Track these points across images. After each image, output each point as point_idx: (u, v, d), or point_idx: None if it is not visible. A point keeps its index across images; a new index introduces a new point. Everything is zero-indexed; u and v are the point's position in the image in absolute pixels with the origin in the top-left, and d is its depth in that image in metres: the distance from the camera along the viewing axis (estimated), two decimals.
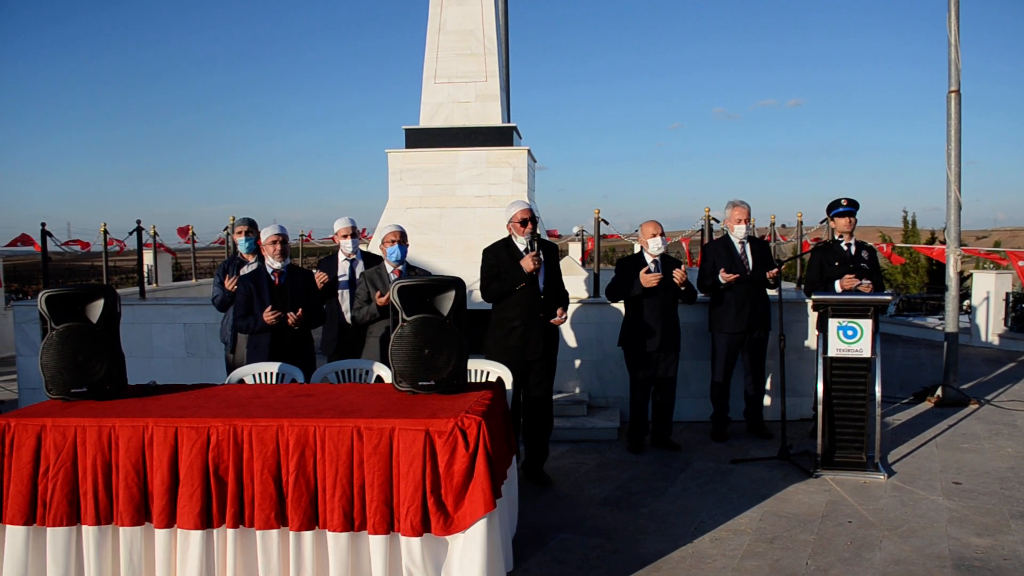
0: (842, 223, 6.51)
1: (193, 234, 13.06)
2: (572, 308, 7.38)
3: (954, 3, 7.97)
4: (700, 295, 6.76)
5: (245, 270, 5.98)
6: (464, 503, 3.42)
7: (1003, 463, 5.98)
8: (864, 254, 6.51)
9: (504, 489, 3.94)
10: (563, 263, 7.92)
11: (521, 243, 5.45)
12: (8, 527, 3.56)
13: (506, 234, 5.61)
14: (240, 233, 6.28)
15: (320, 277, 5.94)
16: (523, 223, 5.43)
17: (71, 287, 4.18)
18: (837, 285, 6.32)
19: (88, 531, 3.59)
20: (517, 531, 4.51)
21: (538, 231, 5.55)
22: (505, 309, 5.47)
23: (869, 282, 6.28)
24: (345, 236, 6.06)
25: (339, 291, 6.04)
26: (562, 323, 5.57)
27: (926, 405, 7.99)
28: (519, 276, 5.36)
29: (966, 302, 13.11)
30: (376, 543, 3.45)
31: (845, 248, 6.50)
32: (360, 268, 6.00)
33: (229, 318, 6.12)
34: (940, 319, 11.77)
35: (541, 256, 5.42)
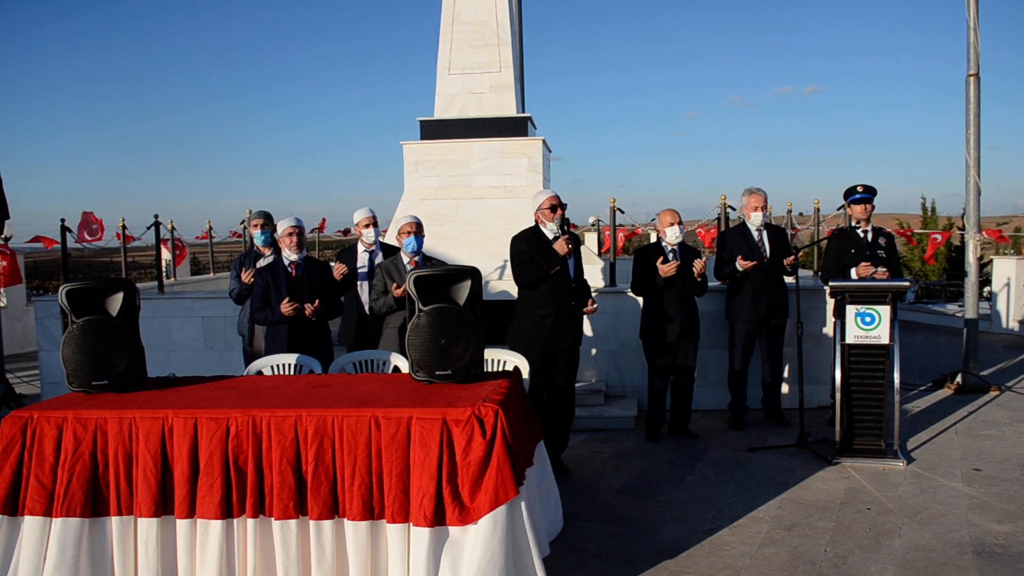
0: (858, 210, 6.47)
1: (210, 228, 13.14)
2: None
3: None
4: (712, 283, 6.75)
5: (262, 263, 6.01)
6: (480, 492, 3.42)
7: None
8: (881, 240, 6.47)
9: (534, 479, 3.96)
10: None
11: (550, 230, 5.44)
12: (26, 518, 3.60)
13: (529, 225, 5.59)
14: (256, 226, 6.31)
15: (339, 269, 5.97)
16: (552, 208, 5.43)
17: (91, 281, 4.22)
18: (853, 272, 6.28)
19: (112, 522, 3.63)
20: None
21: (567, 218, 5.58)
22: (536, 298, 5.43)
23: (885, 269, 6.24)
24: (367, 226, 6.09)
25: (359, 282, 6.06)
26: (594, 312, 5.60)
27: (945, 392, 7.93)
28: (554, 260, 5.35)
29: (986, 288, 13.00)
30: (395, 532, 3.46)
31: (862, 235, 6.46)
32: (380, 259, 6.02)
33: (246, 311, 6.17)
34: (960, 306, 11.67)
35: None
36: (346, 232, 16.25)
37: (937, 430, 6.52)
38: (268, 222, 6.29)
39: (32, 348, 11.29)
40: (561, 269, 5.39)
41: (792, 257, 6.52)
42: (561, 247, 5.32)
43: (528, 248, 5.42)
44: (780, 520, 4.69)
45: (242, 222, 11.36)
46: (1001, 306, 12.33)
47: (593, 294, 5.77)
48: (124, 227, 9.48)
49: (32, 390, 9.02)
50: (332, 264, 5.99)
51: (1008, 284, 12.23)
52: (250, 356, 6.06)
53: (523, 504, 3.52)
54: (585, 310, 5.55)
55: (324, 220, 14.82)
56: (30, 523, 3.59)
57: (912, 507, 4.82)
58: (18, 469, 3.63)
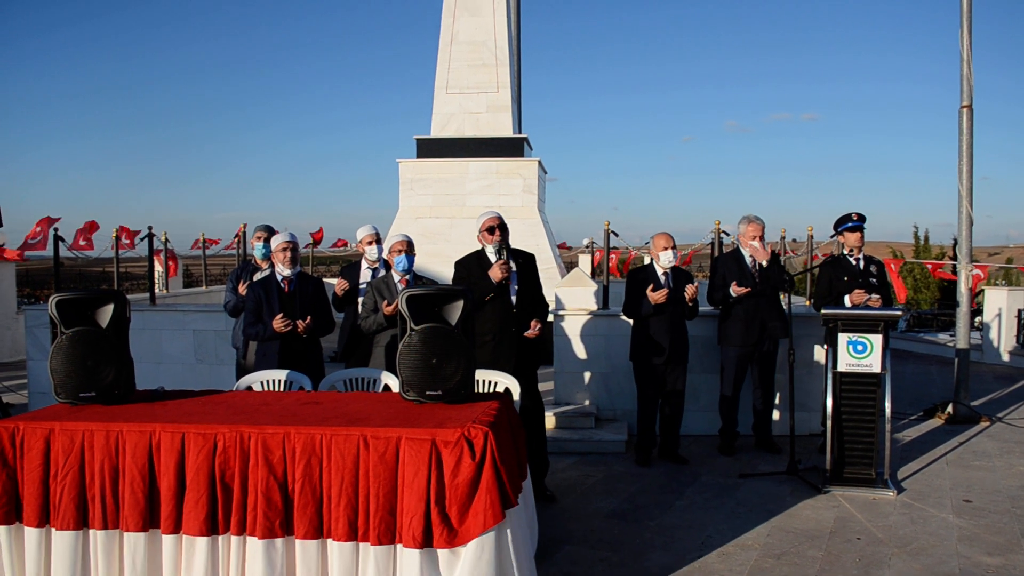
0: (852, 238, 6.50)
1: (204, 241, 13.12)
2: (581, 321, 7.37)
3: (966, 19, 7.95)
4: (704, 308, 6.75)
5: (259, 276, 6.01)
6: (469, 515, 3.39)
7: (1015, 481, 5.93)
8: (872, 268, 6.50)
9: (521, 501, 3.92)
10: (572, 274, 7.92)
11: (491, 252, 5.30)
12: (26, 528, 3.59)
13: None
14: (259, 238, 6.33)
15: (341, 285, 5.97)
16: (490, 231, 5.28)
17: (82, 291, 4.19)
18: (847, 300, 6.30)
19: (96, 535, 3.59)
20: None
21: (508, 240, 5.34)
22: (479, 323, 5.15)
23: (878, 297, 6.27)
24: (370, 243, 6.11)
25: (360, 299, 6.04)
26: (535, 336, 5.32)
27: (936, 422, 7.93)
28: (487, 287, 5.18)
29: (978, 319, 13.04)
30: (380, 553, 3.43)
31: (854, 263, 6.49)
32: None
33: (241, 323, 6.14)
34: (951, 335, 11.70)
35: (512, 266, 5.26)
36: (340, 244, 16.18)
37: (927, 460, 6.51)
38: (271, 235, 6.30)
39: (21, 357, 11.22)
40: (502, 295, 5.24)
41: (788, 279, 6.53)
42: (495, 274, 5.14)
43: (467, 274, 5.28)
44: (769, 548, 4.66)
45: (235, 236, 11.35)
46: (992, 336, 12.38)
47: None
48: (117, 237, 9.45)
49: (20, 400, 8.95)
50: (335, 279, 5.99)
51: (999, 315, 12.29)
52: (243, 369, 6.03)
53: (509, 528, 3.49)
54: (526, 334, 5.29)
55: (321, 229, 14.65)
56: (29, 534, 3.58)
57: (902, 538, 4.80)
58: (8, 479, 3.61)
